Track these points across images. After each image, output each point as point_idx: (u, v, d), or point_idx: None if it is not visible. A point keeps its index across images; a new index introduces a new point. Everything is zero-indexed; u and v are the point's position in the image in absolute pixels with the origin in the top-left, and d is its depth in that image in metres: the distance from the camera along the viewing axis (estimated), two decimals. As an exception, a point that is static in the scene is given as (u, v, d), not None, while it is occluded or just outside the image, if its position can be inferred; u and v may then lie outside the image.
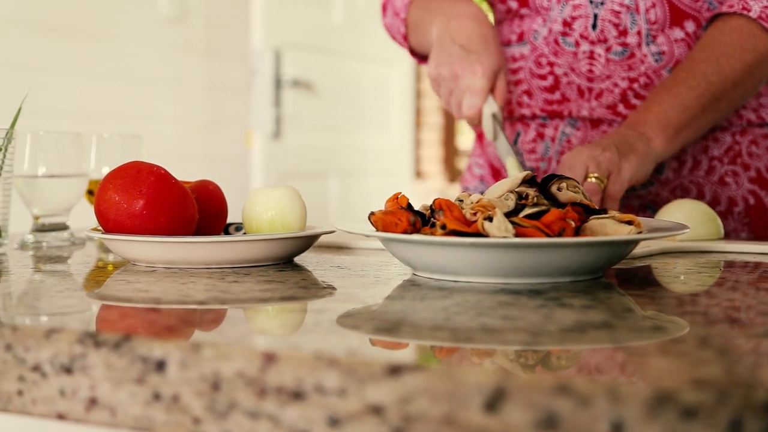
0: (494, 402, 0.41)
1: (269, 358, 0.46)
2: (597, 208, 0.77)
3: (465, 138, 5.64)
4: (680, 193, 1.18)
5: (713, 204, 1.18)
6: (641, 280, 0.77)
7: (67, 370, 0.52)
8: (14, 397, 0.54)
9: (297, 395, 0.45)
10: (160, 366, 0.49)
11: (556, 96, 1.18)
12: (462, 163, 5.65)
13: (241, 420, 0.47)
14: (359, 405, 0.44)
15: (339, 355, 0.45)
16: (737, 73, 1.08)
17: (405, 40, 1.27)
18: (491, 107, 1.08)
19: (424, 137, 5.16)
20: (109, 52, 2.69)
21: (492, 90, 1.10)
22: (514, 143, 1.23)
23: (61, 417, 0.52)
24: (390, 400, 0.43)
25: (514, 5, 1.19)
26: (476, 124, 1.10)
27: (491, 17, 1.30)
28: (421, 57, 1.29)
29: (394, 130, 3.63)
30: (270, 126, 2.96)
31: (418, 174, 5.06)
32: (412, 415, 0.43)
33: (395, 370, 0.44)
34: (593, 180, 0.98)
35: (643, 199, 1.19)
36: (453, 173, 5.42)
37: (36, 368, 0.53)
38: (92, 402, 0.51)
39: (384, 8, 1.31)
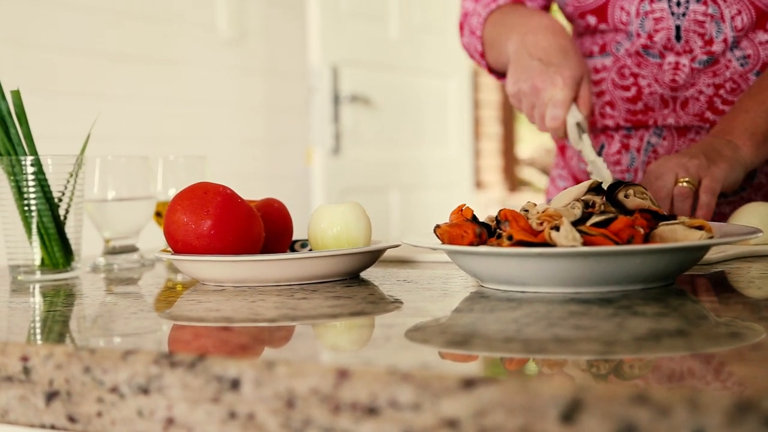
0: (571, 413, 0.41)
1: (342, 375, 0.46)
2: (674, 214, 0.75)
3: (524, 146, 5.61)
4: None
5: None
6: (714, 286, 0.76)
7: (144, 390, 0.53)
8: (94, 418, 0.55)
9: (371, 411, 0.45)
10: (235, 384, 0.50)
11: (639, 106, 1.16)
12: (522, 172, 5.62)
13: (317, 436, 0.47)
14: (434, 419, 0.44)
15: (412, 370, 0.45)
16: None
17: (482, 57, 1.24)
18: (575, 117, 1.03)
19: (483, 147, 5.15)
20: (172, 76, 2.74)
21: (575, 99, 1.05)
22: (598, 155, 1.21)
23: (139, 437, 0.53)
24: (465, 413, 0.43)
25: (592, 21, 1.17)
26: (561, 136, 1.04)
27: (570, 30, 1.28)
28: (499, 74, 1.26)
29: (453, 142, 3.63)
30: (330, 142, 2.98)
31: (478, 184, 5.04)
32: (487, 428, 0.43)
33: (469, 383, 0.43)
34: (684, 185, 0.96)
35: (735, 206, 1.17)
36: (513, 182, 5.39)
37: (114, 389, 0.54)
38: (169, 422, 0.52)
39: (461, 27, 1.28)
